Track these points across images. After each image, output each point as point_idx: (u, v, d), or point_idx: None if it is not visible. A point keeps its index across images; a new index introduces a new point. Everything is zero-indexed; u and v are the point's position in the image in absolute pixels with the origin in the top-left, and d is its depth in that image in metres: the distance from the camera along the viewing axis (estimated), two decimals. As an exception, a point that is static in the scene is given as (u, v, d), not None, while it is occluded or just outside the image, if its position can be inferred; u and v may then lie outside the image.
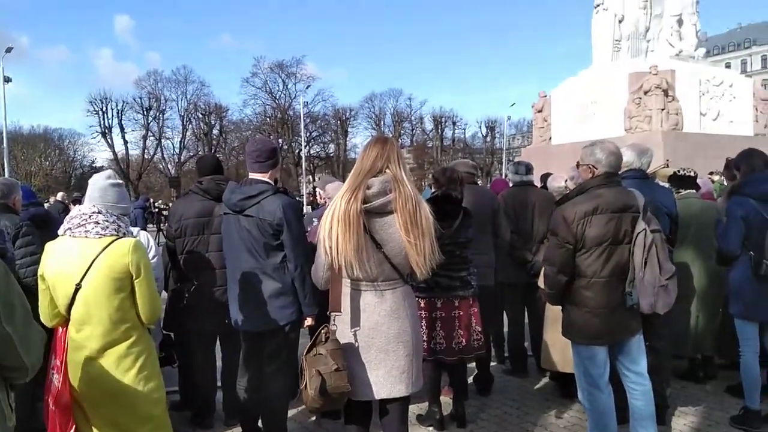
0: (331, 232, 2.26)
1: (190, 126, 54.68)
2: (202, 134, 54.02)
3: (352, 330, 2.32)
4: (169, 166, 55.17)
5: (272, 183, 3.18)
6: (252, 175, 3.20)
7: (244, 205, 3.08)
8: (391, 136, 60.35)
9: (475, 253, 3.88)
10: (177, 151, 54.83)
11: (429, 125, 61.53)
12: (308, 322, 3.22)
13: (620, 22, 18.03)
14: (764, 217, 3.54)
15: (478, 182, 5.02)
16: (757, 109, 19.18)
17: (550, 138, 19.92)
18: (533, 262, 4.61)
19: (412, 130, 62.40)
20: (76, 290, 2.36)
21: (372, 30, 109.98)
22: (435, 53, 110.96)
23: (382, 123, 60.46)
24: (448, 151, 59.10)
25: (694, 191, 4.60)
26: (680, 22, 18.13)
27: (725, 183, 6.70)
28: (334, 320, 2.34)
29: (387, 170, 2.34)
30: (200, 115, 54.33)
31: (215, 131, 55.13)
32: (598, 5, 18.59)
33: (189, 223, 3.69)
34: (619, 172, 3.26)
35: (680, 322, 4.32)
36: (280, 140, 52.40)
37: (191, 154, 53.47)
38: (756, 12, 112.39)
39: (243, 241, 3.11)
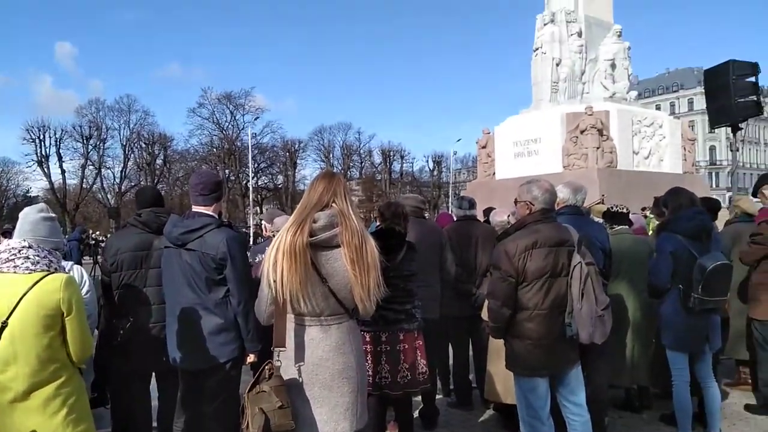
0: (276, 265, 2.24)
1: (133, 155, 53.29)
2: (144, 164, 52.62)
3: (296, 365, 2.29)
4: (108, 196, 53.24)
5: (216, 216, 3.13)
6: (195, 209, 3.14)
7: (186, 238, 3.02)
8: (340, 168, 60.64)
9: (420, 285, 3.92)
10: (117, 180, 53.13)
11: (378, 159, 62.41)
12: (251, 358, 3.14)
13: (558, 65, 19.04)
14: (691, 252, 3.75)
15: (426, 215, 5.12)
16: (685, 149, 20.51)
17: (494, 173, 20.53)
18: (477, 295, 4.71)
19: (361, 163, 63.04)
20: (2, 328, 2.23)
21: (323, 63, 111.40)
22: (385, 89, 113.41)
23: (331, 155, 60.77)
24: (397, 184, 59.88)
25: (626, 227, 4.84)
26: (613, 67, 19.31)
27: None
28: (278, 356, 2.31)
29: (333, 204, 2.36)
30: (143, 145, 53.04)
31: (159, 161, 53.84)
32: (537, 49, 19.56)
33: (126, 257, 3.56)
34: (556, 209, 3.41)
35: (616, 352, 4.48)
36: (226, 171, 51.68)
37: (132, 184, 51.92)
38: (682, 59, 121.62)
39: (184, 276, 3.03)
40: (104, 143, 51.61)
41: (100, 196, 53.10)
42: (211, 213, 3.12)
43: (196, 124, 53.79)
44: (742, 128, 8.35)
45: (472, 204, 5.20)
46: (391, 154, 60.78)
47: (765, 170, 69.15)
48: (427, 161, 64.05)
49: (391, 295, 2.76)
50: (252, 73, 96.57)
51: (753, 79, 7.55)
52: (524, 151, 19.11)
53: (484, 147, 21.39)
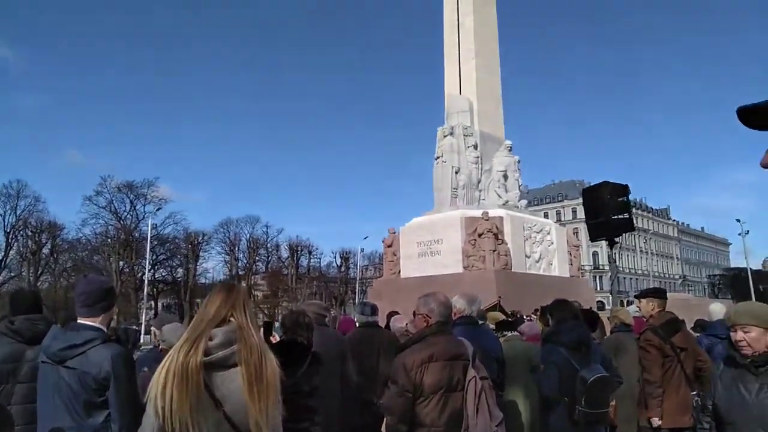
0: (165, 390, 2.08)
1: (16, 244, 48.77)
2: (28, 253, 48.22)
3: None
4: (-20, 288, 47.68)
5: (103, 329, 2.93)
6: (80, 320, 2.93)
7: (66, 355, 2.76)
8: (245, 262, 58.64)
9: (321, 396, 3.83)
10: (-6, 271, 48.00)
11: (285, 253, 61.72)
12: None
13: (457, 173, 20.48)
14: (573, 364, 3.99)
15: (332, 312, 5.10)
16: (571, 254, 22.28)
17: (399, 272, 20.99)
18: (378, 405, 4.65)
19: (268, 257, 61.92)
20: None
21: (235, 155, 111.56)
22: (296, 185, 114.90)
23: (236, 248, 59.31)
24: (303, 280, 59.06)
25: (518, 334, 5.11)
26: (506, 177, 21.08)
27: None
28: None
29: (232, 319, 2.27)
30: (29, 233, 48.88)
31: (45, 250, 49.63)
32: (438, 157, 21.00)
33: (-10, 369, 3.20)
34: (454, 318, 3.56)
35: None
36: (121, 263, 48.55)
37: (13, 274, 47.17)
38: (566, 172, 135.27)
39: (60, 397, 2.75)
40: (-17, 230, 47.14)
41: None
42: (97, 325, 2.91)
43: (91, 213, 50.76)
44: (618, 242, 9.31)
45: (374, 310, 5.27)
46: (299, 249, 60.47)
47: (640, 273, 76.56)
48: (335, 257, 64.30)
49: (288, 413, 2.67)
50: (160, 163, 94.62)
51: (625, 198, 8.60)
52: (427, 251, 19.85)
53: (390, 246, 21.98)
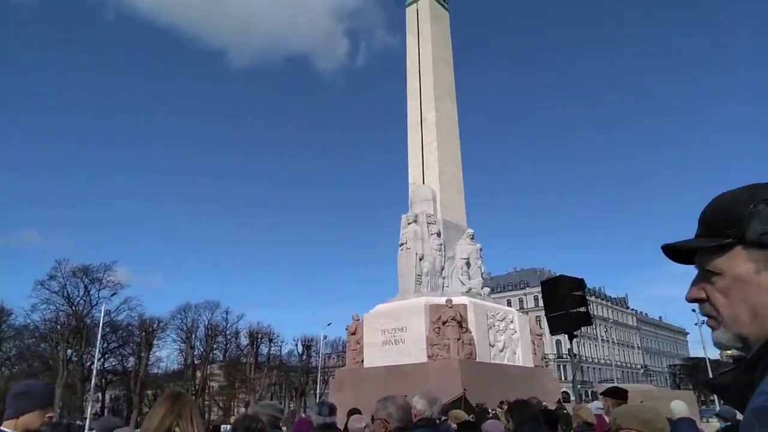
0: None
1: (-45, 334, 45.73)
2: (-32, 341, 45.19)
3: None
4: None
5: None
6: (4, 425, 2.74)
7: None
8: (202, 350, 56.17)
9: None
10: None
11: (244, 340, 59.40)
12: None
13: (421, 260, 20.66)
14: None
15: (293, 404, 4.87)
16: (534, 343, 22.24)
17: (363, 360, 20.46)
18: None
19: (226, 344, 59.47)
20: None
21: (193, 240, 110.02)
22: (258, 270, 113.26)
23: (193, 336, 56.88)
24: (263, 369, 56.62)
25: (480, 434, 4.98)
26: (468, 265, 21.36)
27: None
28: None
29: (176, 429, 2.21)
30: (-29, 321, 46.05)
31: (-12, 338, 46.62)
32: (402, 244, 21.24)
33: None
34: (414, 421, 3.46)
35: None
36: (69, 351, 45.81)
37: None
38: (527, 259, 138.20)
39: None
40: None
41: None
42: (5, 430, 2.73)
43: (43, 298, 48.31)
44: (577, 335, 9.42)
45: (332, 410, 5.07)
46: (259, 336, 58.38)
47: (603, 363, 76.38)
48: (297, 344, 62.19)
49: None
50: (121, 245, 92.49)
51: (581, 292, 8.83)
52: (391, 339, 19.52)
53: (353, 333, 21.55)
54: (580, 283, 8.82)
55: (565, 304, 8.49)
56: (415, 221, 21.28)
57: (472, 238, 22.04)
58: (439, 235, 21.08)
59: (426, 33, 25.15)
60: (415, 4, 26.13)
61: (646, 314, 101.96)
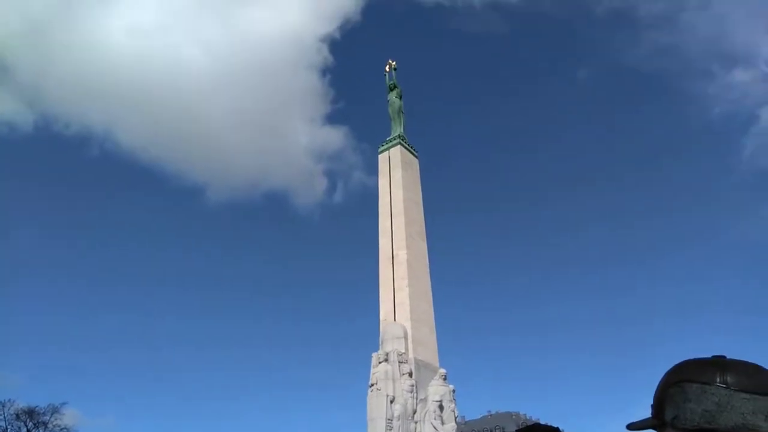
0: None
1: None
2: None
3: None
4: None
5: None
6: None
7: None
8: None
9: None
10: None
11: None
12: None
13: (392, 402, 19.75)
14: None
15: None
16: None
17: None
18: None
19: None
20: None
21: (151, 379, 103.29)
22: (214, 413, 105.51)
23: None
24: None
25: None
26: (441, 407, 20.45)
27: None
28: None
29: None
30: None
31: None
32: (372, 384, 20.42)
33: None
34: None
35: None
36: None
37: None
38: (502, 402, 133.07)
39: None
40: None
41: None
42: None
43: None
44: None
45: None
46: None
47: None
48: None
49: None
50: (70, 386, 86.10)
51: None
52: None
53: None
54: (555, 432, 8.51)
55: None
56: (386, 360, 20.70)
57: (444, 379, 21.39)
58: (411, 375, 20.43)
59: (397, 177, 26.61)
60: (387, 152, 27.92)
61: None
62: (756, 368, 1.01)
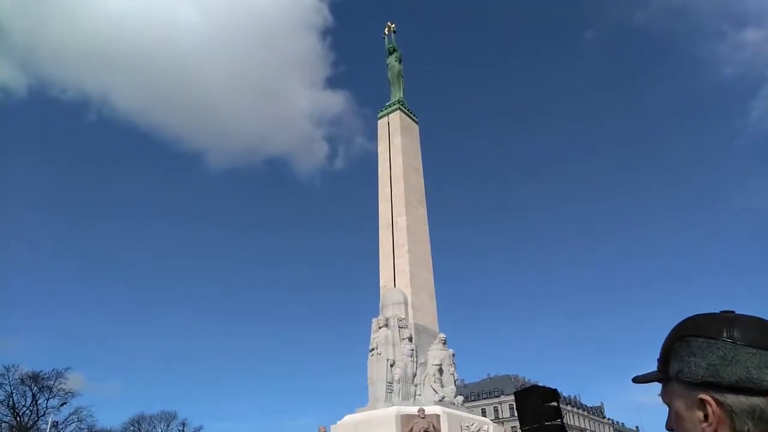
0: None
1: None
2: None
3: None
4: None
5: None
6: None
7: None
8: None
9: None
10: None
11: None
12: None
13: (392, 366, 20.03)
14: None
15: None
16: (512, 456, 21.19)
17: (330, 479, 19.09)
18: None
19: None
20: None
21: (154, 345, 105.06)
22: (217, 379, 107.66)
23: (146, 451, 52.56)
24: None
25: None
26: (441, 371, 20.75)
27: None
28: None
29: None
30: None
31: None
32: (373, 349, 20.67)
33: None
34: None
35: None
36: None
37: None
38: (501, 365, 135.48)
39: None
40: None
41: None
42: None
43: (-16, 408, 44.60)
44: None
45: None
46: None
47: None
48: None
49: None
50: (75, 351, 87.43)
51: (555, 403, 8.58)
52: (362, 453, 18.38)
53: (319, 447, 20.23)
54: (553, 394, 8.62)
55: (540, 416, 8.23)
56: (386, 325, 20.90)
57: (444, 344, 21.64)
58: (411, 339, 20.66)
59: (397, 143, 26.37)
60: (386, 117, 27.60)
61: (623, 424, 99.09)
62: (766, 323, 1.00)
